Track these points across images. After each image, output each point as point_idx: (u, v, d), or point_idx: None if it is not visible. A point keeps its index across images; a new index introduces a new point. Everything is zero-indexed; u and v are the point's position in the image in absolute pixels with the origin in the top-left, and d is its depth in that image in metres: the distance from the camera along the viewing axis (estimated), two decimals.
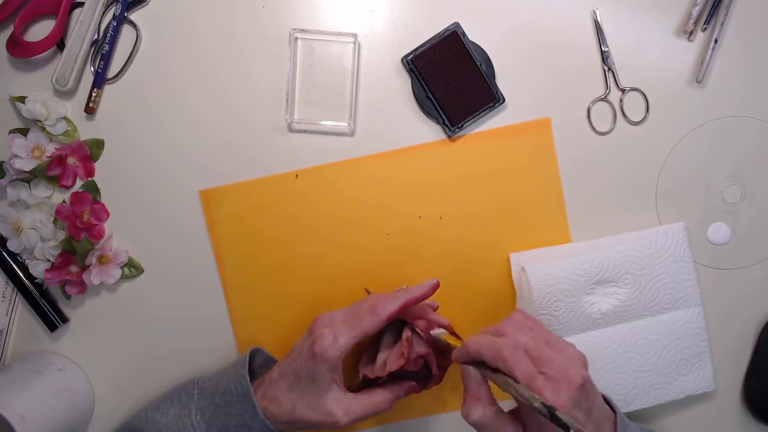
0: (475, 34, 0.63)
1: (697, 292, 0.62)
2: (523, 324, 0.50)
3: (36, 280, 0.63)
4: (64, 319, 0.64)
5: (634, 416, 0.64)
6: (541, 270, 0.60)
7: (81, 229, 0.61)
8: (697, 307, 0.62)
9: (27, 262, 0.63)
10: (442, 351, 0.58)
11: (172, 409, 0.56)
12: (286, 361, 0.56)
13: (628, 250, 0.61)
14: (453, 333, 0.58)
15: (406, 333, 0.56)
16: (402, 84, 0.64)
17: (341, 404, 0.54)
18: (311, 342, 0.53)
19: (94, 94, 0.62)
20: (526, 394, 0.44)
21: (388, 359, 0.56)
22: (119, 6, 0.62)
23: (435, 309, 0.58)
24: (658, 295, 0.62)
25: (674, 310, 0.62)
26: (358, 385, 0.58)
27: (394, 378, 0.57)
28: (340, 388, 0.54)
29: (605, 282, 0.61)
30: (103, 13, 0.63)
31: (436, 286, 0.56)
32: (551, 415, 0.42)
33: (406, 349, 0.55)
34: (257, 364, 0.60)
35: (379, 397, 0.56)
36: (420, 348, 0.56)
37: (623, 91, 0.64)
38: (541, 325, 0.51)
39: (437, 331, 0.57)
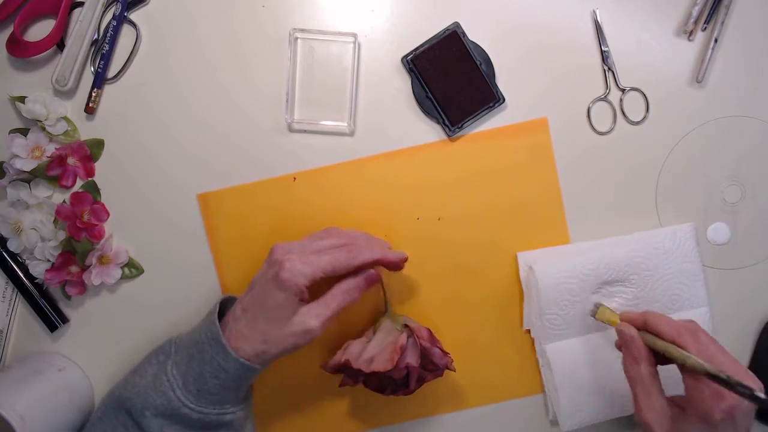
0: (475, 34, 0.62)
1: (704, 293, 0.62)
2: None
3: (36, 280, 0.63)
4: (64, 319, 0.64)
5: None
6: (550, 269, 0.60)
7: (81, 229, 0.61)
8: (703, 308, 0.62)
9: (27, 262, 0.63)
10: (430, 366, 0.58)
11: (150, 370, 0.56)
12: (248, 296, 0.55)
13: (636, 250, 0.61)
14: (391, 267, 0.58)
15: (402, 340, 0.56)
16: (402, 84, 0.64)
17: (310, 313, 0.53)
18: (277, 269, 0.53)
19: (94, 94, 0.62)
20: (706, 365, 0.48)
21: (376, 358, 0.56)
22: (119, 6, 0.62)
23: None
24: (665, 295, 0.61)
25: (680, 310, 0.62)
26: (336, 367, 0.58)
27: (369, 379, 0.57)
28: (307, 303, 0.54)
29: (612, 282, 0.61)
30: (103, 13, 0.63)
31: (405, 259, 0.58)
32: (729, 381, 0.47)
33: (398, 356, 0.55)
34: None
35: (341, 287, 0.55)
36: (411, 359, 0.56)
37: (623, 91, 0.64)
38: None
39: None
